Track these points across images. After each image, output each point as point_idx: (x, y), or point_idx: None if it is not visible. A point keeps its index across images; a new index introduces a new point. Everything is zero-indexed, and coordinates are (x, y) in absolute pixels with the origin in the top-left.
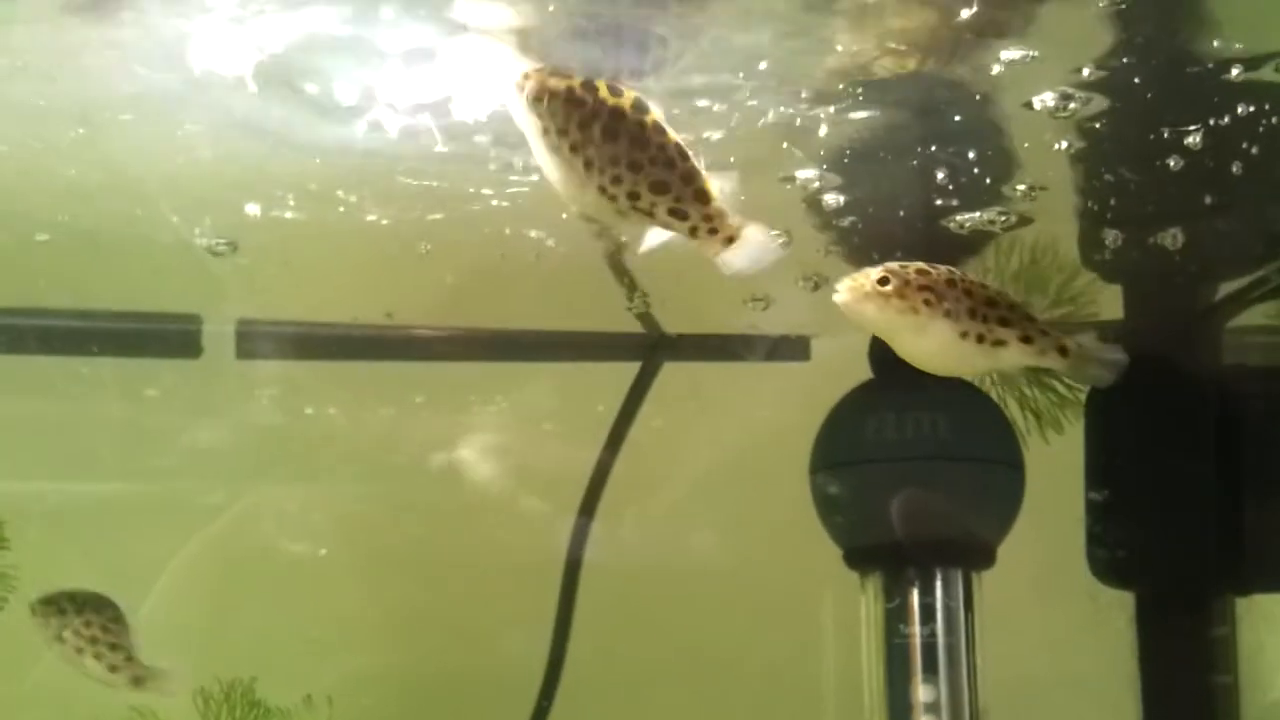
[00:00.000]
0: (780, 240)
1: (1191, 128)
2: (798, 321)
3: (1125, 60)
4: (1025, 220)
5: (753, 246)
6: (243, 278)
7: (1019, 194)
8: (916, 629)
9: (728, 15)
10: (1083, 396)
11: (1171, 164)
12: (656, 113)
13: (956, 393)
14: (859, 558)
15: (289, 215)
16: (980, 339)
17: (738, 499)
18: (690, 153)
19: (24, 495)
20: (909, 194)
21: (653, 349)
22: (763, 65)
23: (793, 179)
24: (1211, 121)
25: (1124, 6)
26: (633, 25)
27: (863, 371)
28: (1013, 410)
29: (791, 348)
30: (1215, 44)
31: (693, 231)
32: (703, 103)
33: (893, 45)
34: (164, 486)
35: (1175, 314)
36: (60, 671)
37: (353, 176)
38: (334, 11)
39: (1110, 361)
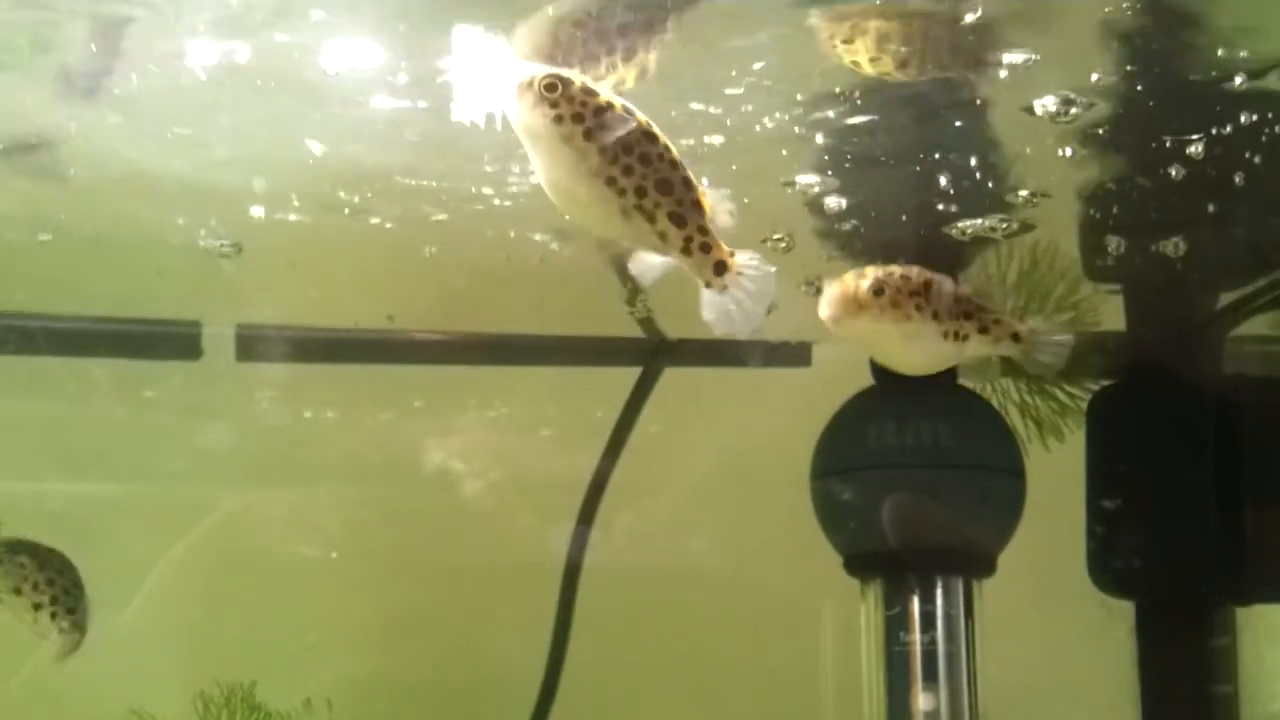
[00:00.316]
0: (773, 270)
1: (1194, 136)
2: (799, 327)
3: (1129, 68)
4: (1027, 227)
5: (745, 287)
6: (247, 280)
7: (1021, 200)
8: (917, 636)
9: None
10: (1084, 405)
11: (1174, 172)
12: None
13: (958, 400)
14: (860, 565)
15: (293, 218)
16: (956, 336)
17: (738, 505)
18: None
19: (21, 496)
20: (910, 199)
21: (654, 354)
22: (757, 65)
23: (793, 183)
24: (1214, 130)
25: (1128, 14)
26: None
27: (864, 378)
28: (1014, 418)
29: (793, 354)
30: (1220, 52)
31: (686, 244)
32: (697, 105)
33: (891, 49)
34: (162, 488)
35: (1176, 323)
36: (56, 673)
37: (355, 177)
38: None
39: (1057, 344)
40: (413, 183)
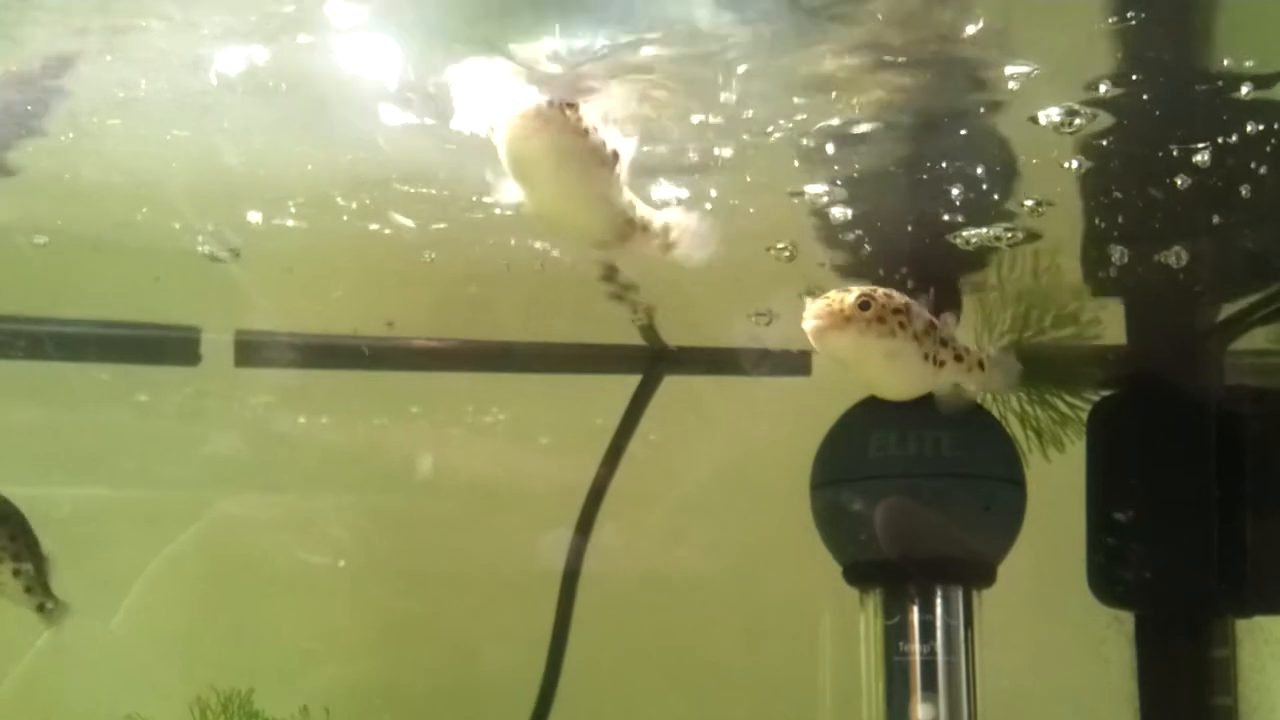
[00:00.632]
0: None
1: (1199, 145)
2: (800, 336)
3: (1134, 77)
4: (1033, 236)
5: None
6: (244, 285)
7: (1026, 209)
8: (916, 646)
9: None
10: (1084, 415)
11: (1179, 182)
12: None
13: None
14: (859, 574)
15: (290, 224)
16: (934, 360)
17: (738, 514)
18: None
19: (17, 500)
20: (913, 208)
21: (654, 362)
22: (750, 72)
23: (801, 193)
24: (1220, 140)
25: (1132, 24)
26: None
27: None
28: (1014, 428)
29: (793, 362)
30: (1225, 62)
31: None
32: (699, 118)
33: (890, 60)
34: (161, 494)
35: (1178, 334)
36: (52, 678)
37: (354, 183)
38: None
39: (1012, 369)
40: (411, 190)
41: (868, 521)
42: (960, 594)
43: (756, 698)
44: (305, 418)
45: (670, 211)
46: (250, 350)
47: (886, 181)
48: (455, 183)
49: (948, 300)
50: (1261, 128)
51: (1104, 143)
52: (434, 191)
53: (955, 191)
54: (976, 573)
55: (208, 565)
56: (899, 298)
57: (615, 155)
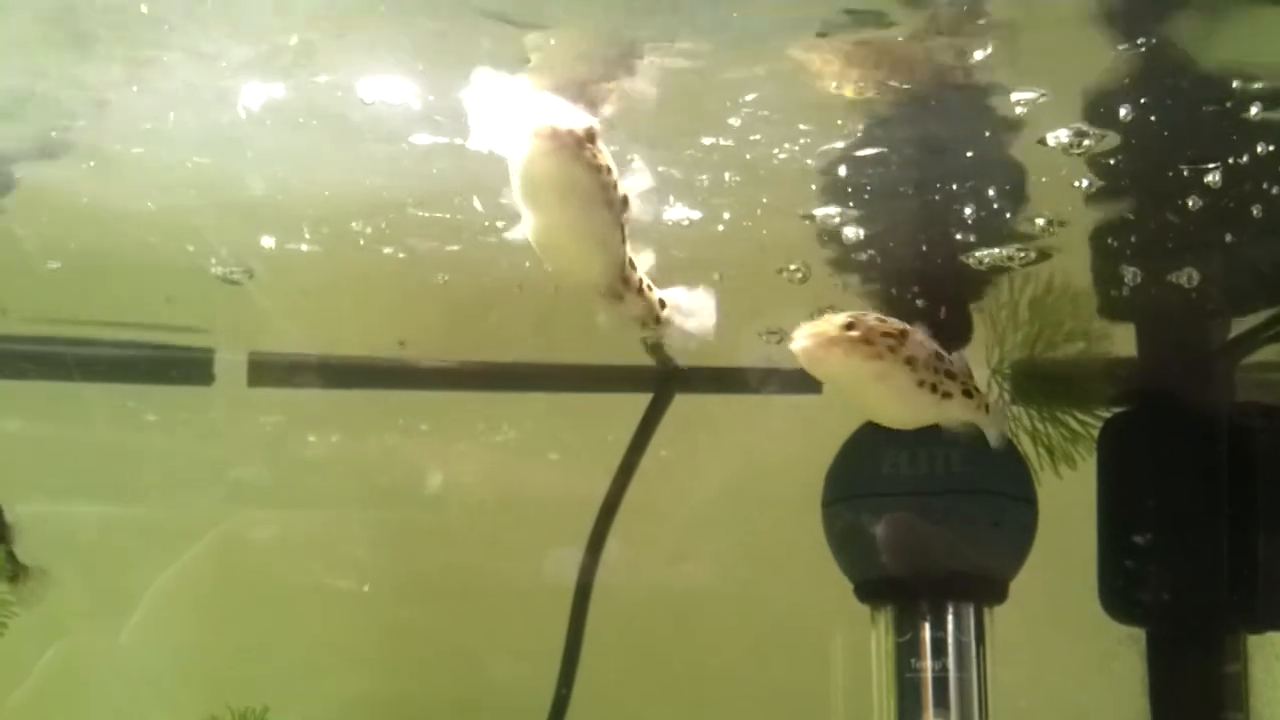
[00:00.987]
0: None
1: (1210, 165)
2: None
3: (1143, 100)
4: (1044, 255)
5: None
6: (260, 306)
7: (1038, 229)
8: (928, 663)
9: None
10: (1095, 431)
11: (1190, 203)
12: None
13: (970, 427)
14: (871, 591)
15: (305, 248)
16: (934, 389)
17: (750, 531)
18: None
19: (25, 518)
20: (923, 229)
21: (665, 381)
22: (751, 96)
23: (812, 217)
24: (1230, 160)
25: (1143, 48)
26: None
27: None
28: (1026, 445)
29: (804, 381)
30: (1235, 84)
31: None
32: (708, 140)
33: (895, 84)
34: (174, 511)
35: (1189, 350)
36: (62, 692)
37: (369, 208)
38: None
39: (1004, 420)
40: (426, 214)
41: (879, 539)
42: (972, 611)
43: (768, 714)
44: (316, 436)
45: (675, 291)
46: (264, 370)
47: (898, 203)
48: (468, 209)
49: (958, 322)
50: (1272, 148)
51: (1111, 161)
52: (448, 216)
53: (968, 211)
54: (988, 589)
55: (219, 580)
56: (894, 323)
57: (624, 202)
